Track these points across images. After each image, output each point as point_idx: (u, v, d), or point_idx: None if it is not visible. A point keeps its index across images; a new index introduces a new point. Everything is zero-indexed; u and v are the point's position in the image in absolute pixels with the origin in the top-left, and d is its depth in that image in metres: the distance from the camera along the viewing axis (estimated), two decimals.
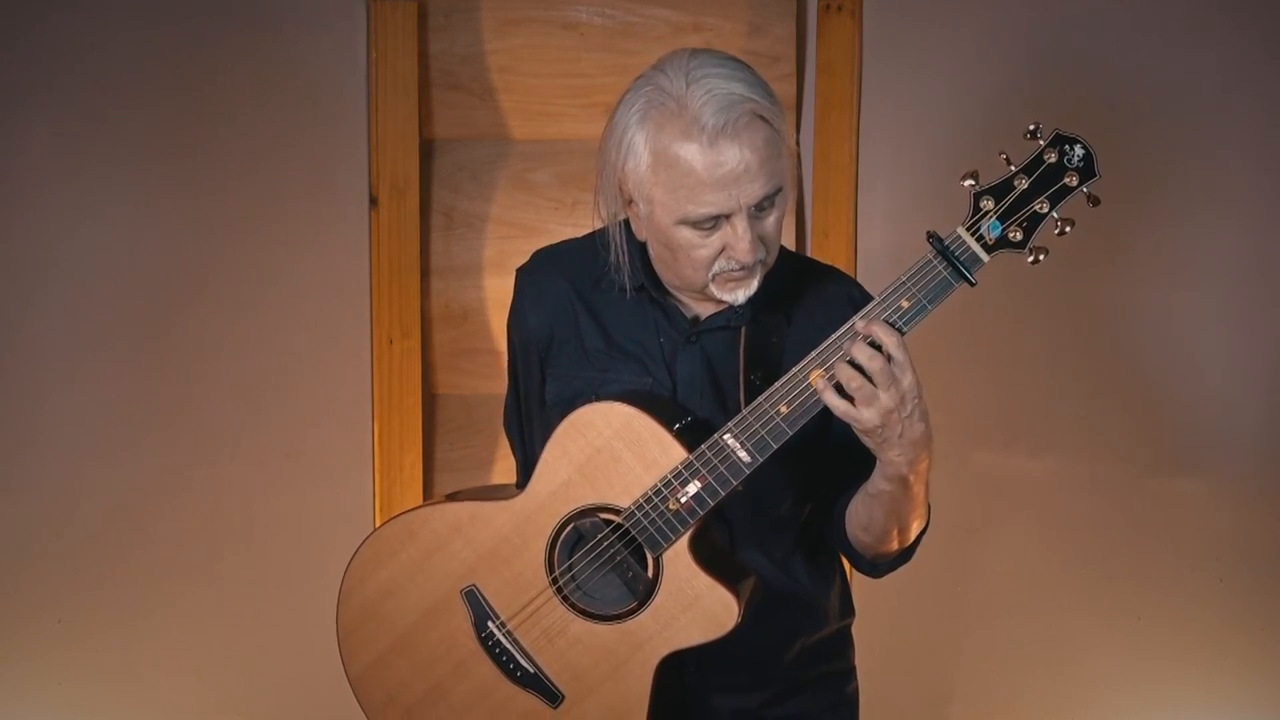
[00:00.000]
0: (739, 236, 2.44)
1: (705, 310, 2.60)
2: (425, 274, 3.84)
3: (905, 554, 2.66)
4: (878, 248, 3.77)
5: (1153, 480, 3.81)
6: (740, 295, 2.51)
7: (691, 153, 2.41)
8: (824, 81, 3.76)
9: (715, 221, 2.45)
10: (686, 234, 2.47)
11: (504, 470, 3.86)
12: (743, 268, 2.48)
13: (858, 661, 2.83)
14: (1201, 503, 3.80)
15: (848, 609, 2.80)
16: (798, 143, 3.65)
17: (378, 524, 3.80)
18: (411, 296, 3.81)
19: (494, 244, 3.83)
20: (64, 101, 3.75)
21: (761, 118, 2.42)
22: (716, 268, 2.49)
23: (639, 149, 2.46)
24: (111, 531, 3.85)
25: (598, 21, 3.79)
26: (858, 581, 2.79)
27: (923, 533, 2.63)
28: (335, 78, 3.79)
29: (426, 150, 3.82)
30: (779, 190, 2.47)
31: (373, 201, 3.79)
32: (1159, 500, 3.81)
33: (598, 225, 2.62)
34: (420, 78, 3.78)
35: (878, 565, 2.67)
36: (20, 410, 3.82)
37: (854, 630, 2.83)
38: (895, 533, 2.56)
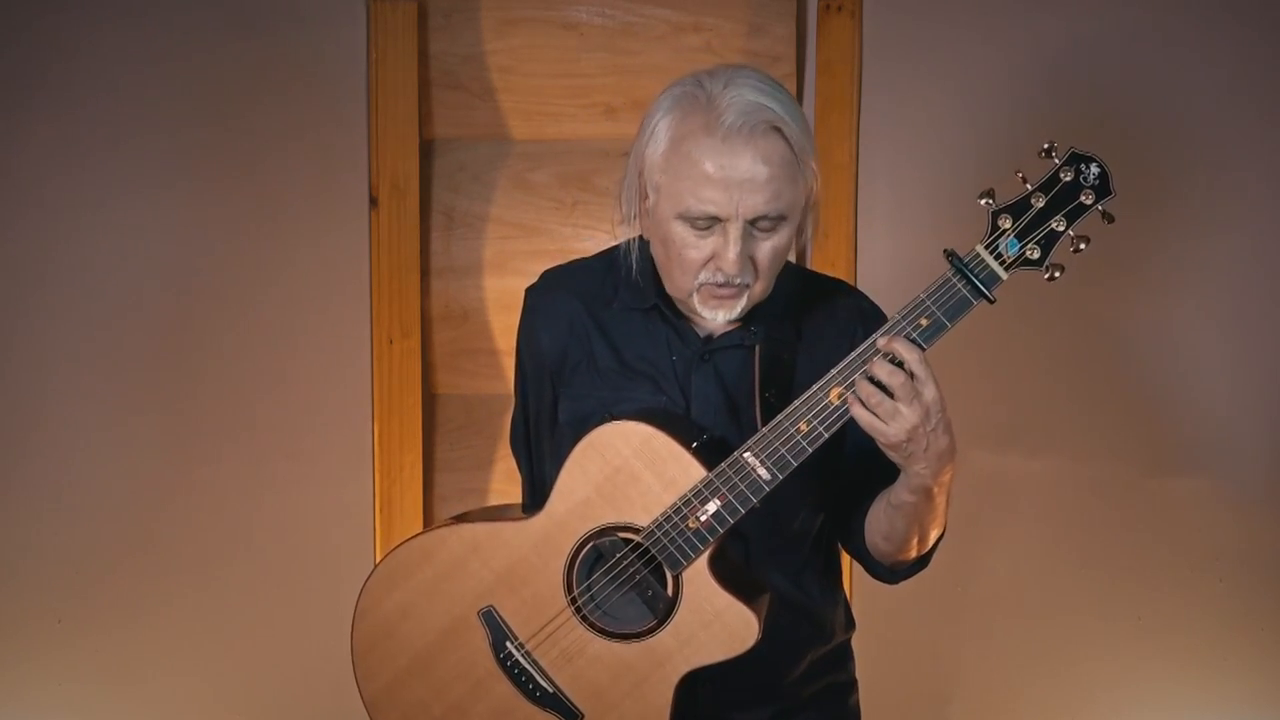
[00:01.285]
0: (728, 245, 2.44)
1: (718, 328, 2.59)
2: (425, 274, 3.83)
3: (923, 560, 2.67)
4: (878, 248, 3.77)
5: (1153, 480, 3.81)
6: (720, 316, 2.50)
7: (704, 146, 2.42)
8: (824, 81, 3.75)
9: (711, 224, 2.45)
10: (681, 230, 2.46)
11: (504, 471, 3.86)
12: (727, 284, 2.47)
13: (858, 663, 2.84)
14: (1201, 503, 3.80)
15: (850, 622, 2.81)
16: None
17: (378, 524, 3.81)
18: (411, 296, 3.81)
19: (494, 244, 3.83)
20: (63, 102, 3.75)
21: (781, 133, 2.42)
22: (702, 277, 2.48)
23: (660, 134, 2.47)
24: (111, 531, 3.85)
25: (598, 21, 3.78)
26: (858, 580, 2.80)
27: (939, 539, 2.64)
28: (335, 78, 3.78)
29: (426, 150, 3.81)
30: (782, 217, 2.46)
31: (373, 201, 3.78)
32: (1159, 500, 3.81)
33: (616, 219, 2.61)
34: (420, 78, 3.77)
35: (896, 572, 2.68)
36: (20, 410, 3.83)
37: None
38: (915, 541, 2.58)
